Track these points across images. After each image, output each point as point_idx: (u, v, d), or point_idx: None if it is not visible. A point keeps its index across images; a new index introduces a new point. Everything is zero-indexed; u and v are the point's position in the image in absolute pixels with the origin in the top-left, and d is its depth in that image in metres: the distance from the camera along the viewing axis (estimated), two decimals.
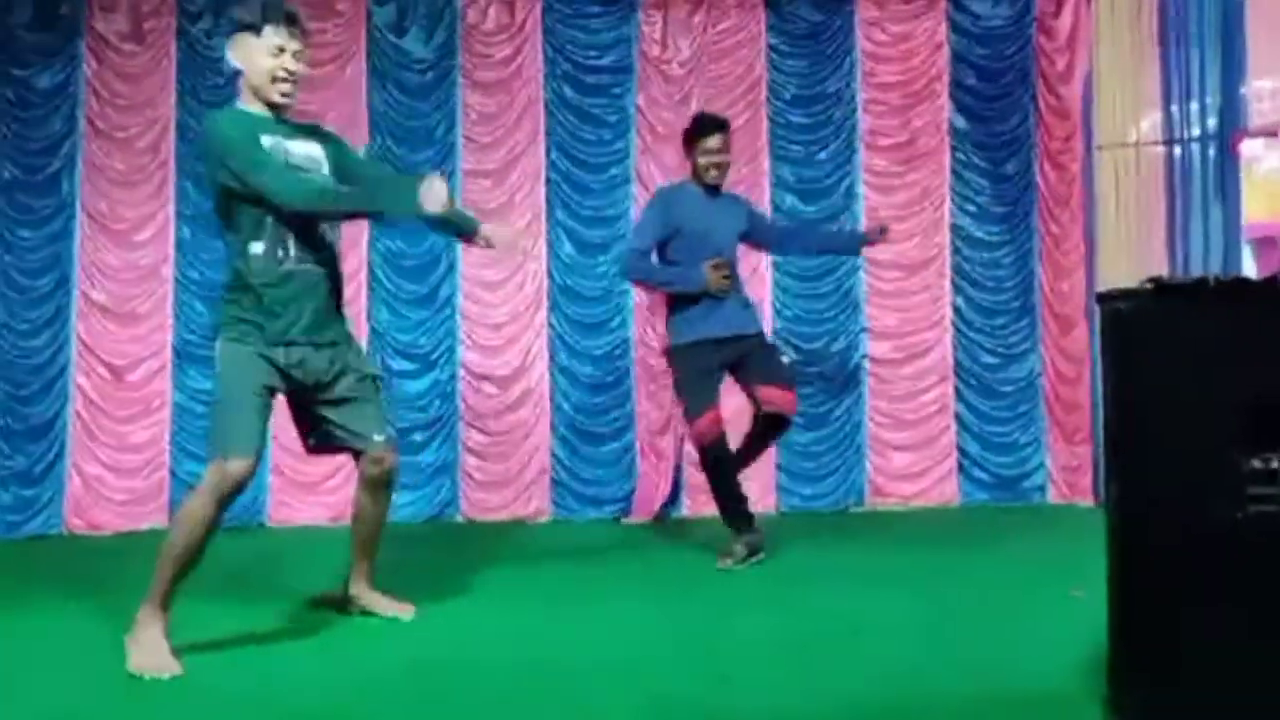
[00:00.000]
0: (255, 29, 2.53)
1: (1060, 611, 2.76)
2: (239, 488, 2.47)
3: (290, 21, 2.57)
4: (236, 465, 2.45)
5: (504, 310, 4.94)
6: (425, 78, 4.94)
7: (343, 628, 2.82)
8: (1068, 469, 4.92)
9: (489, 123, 4.96)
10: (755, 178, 4.98)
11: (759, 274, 4.87)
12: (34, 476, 4.72)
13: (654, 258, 3.72)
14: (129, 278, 4.84)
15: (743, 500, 3.68)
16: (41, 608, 3.18)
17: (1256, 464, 1.76)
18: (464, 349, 4.94)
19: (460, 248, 4.87)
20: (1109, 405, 2.09)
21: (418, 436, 4.83)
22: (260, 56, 2.55)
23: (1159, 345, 1.90)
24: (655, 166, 4.91)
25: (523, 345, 4.95)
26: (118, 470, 4.77)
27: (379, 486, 2.80)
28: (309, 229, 2.59)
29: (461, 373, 4.92)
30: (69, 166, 4.81)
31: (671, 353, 3.73)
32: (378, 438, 2.74)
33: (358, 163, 2.89)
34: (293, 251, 2.56)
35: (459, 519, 4.85)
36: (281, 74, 2.56)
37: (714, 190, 3.72)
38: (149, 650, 2.39)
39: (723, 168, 3.71)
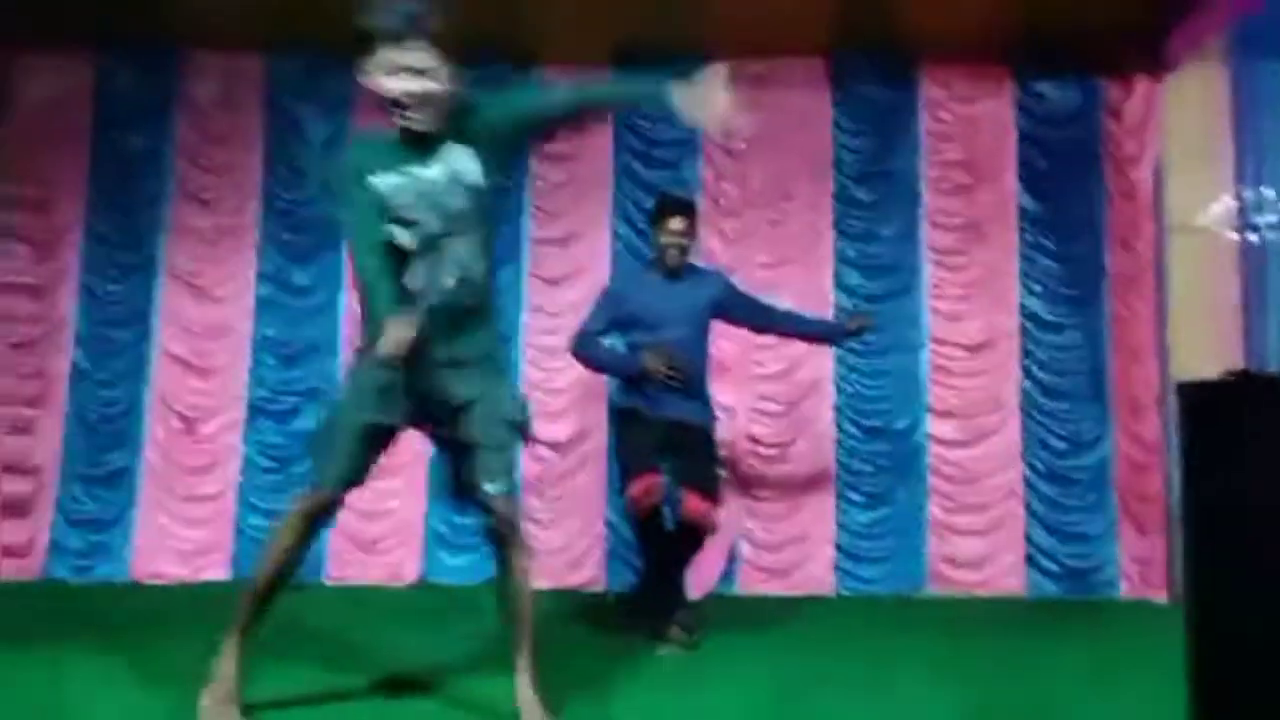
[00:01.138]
0: (376, 49, 2.31)
1: (1130, 713, 2.63)
2: (321, 511, 2.44)
3: (408, 33, 2.30)
4: (319, 492, 2.44)
5: (566, 376, 4.99)
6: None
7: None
8: (1140, 561, 4.74)
9: (558, 192, 5.08)
10: (818, 255, 5.00)
11: (821, 349, 4.84)
12: (104, 522, 4.84)
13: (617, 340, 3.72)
14: (207, 333, 5.00)
15: (671, 581, 3.56)
16: (95, 652, 3.23)
17: None
18: None
19: (525, 316, 4.95)
20: (1187, 499, 2.03)
21: (450, 500, 4.85)
22: (378, 78, 2.33)
23: (1239, 439, 1.84)
24: (718, 241, 4.97)
25: (582, 412, 4.97)
26: (184, 520, 4.87)
27: (501, 540, 2.46)
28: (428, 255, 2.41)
29: None
30: (157, 224, 5.03)
31: (615, 414, 3.69)
32: (490, 487, 2.41)
33: (526, 106, 2.59)
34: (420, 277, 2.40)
35: None
36: (402, 98, 2.32)
37: (676, 272, 3.67)
38: (213, 691, 2.39)
39: (684, 250, 3.66)
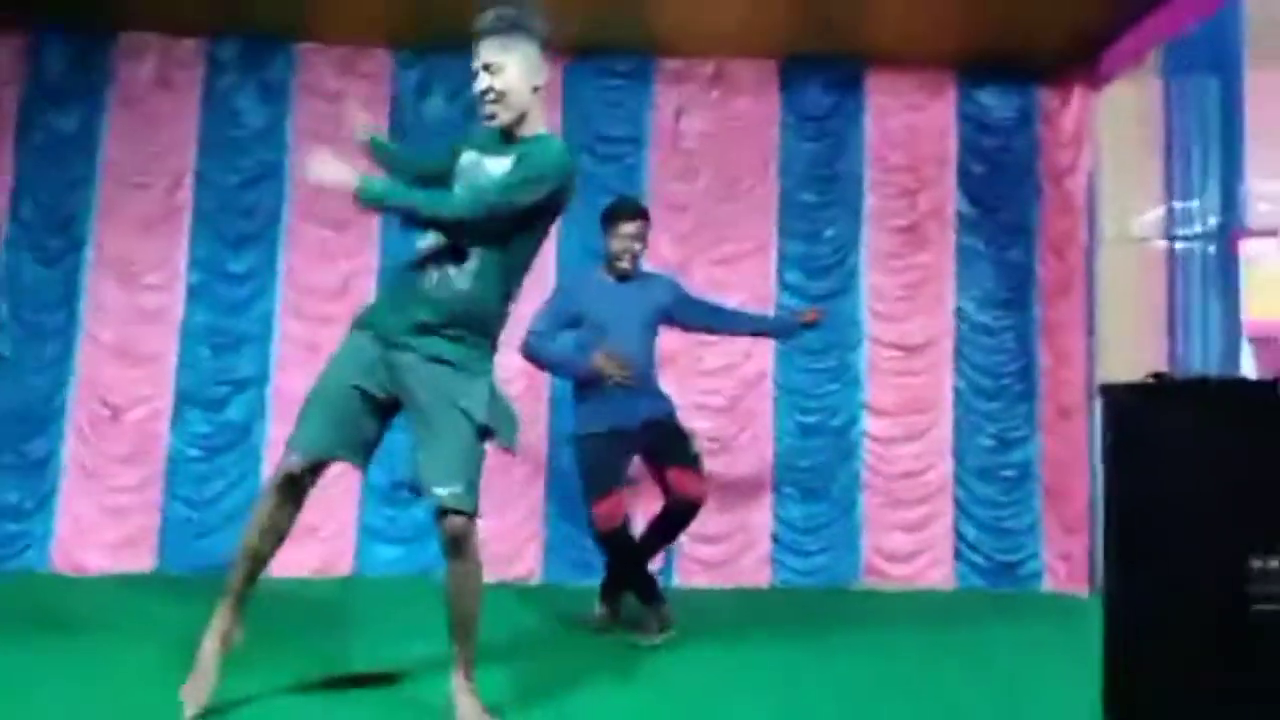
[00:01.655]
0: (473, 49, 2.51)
1: (1050, 702, 2.71)
2: (289, 481, 2.43)
3: (491, 33, 2.48)
4: (289, 458, 2.43)
5: (508, 369, 4.93)
6: (445, 139, 5.03)
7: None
8: (1064, 557, 4.89)
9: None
10: (763, 254, 5.05)
11: (762, 346, 4.91)
12: (25, 511, 4.68)
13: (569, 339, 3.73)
14: (136, 319, 4.86)
15: (648, 579, 3.65)
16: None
17: (1257, 563, 1.76)
18: None
19: None
20: (1108, 496, 2.10)
21: (408, 491, 4.81)
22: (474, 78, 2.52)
23: (1159, 440, 1.91)
24: (665, 237, 4.98)
25: (524, 405, 4.93)
26: (109, 510, 4.73)
27: (449, 546, 2.43)
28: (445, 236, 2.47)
29: None
30: (86, 208, 4.88)
31: (576, 440, 3.68)
32: (439, 490, 2.38)
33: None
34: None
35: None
36: (481, 94, 2.49)
37: (627, 276, 3.69)
38: (196, 669, 2.39)
39: (636, 255, 3.68)
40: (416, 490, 2.47)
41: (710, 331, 4.16)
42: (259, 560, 2.45)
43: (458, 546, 2.40)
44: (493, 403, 2.46)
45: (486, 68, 2.45)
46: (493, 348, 2.54)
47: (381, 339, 2.45)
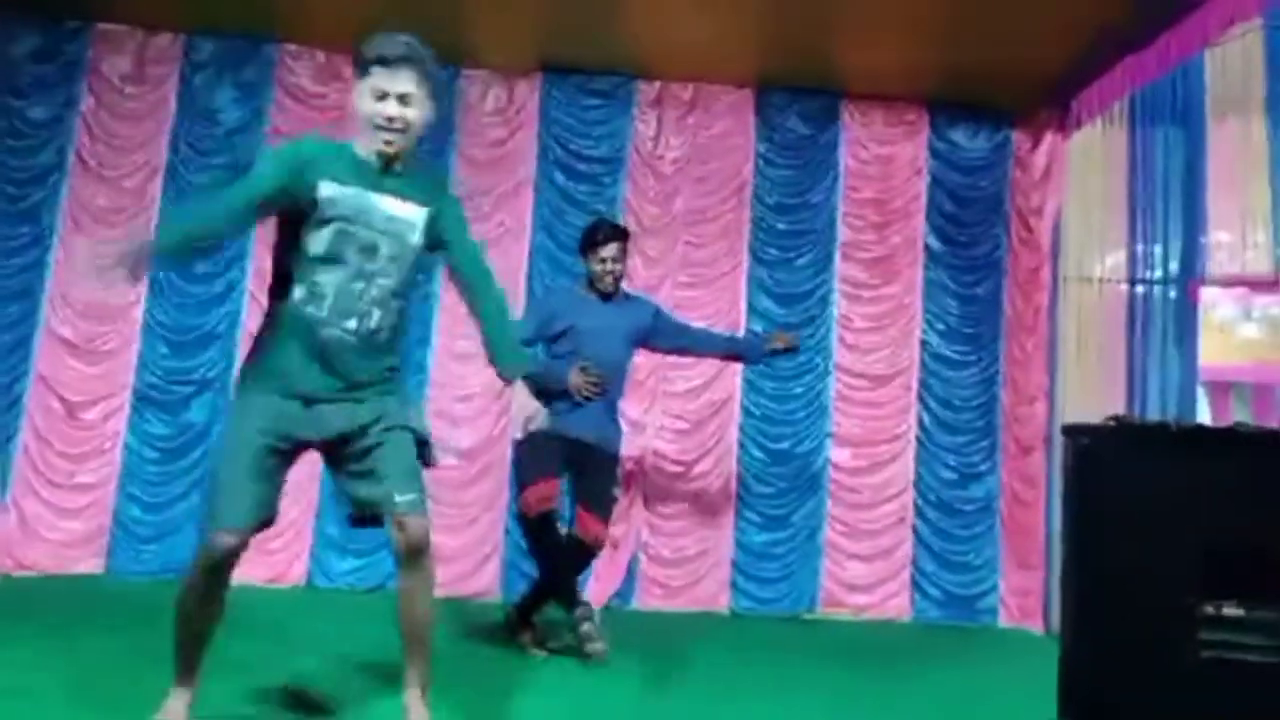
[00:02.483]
0: (363, 68, 2.34)
1: None
2: (225, 560, 2.26)
3: (404, 63, 2.33)
4: (222, 539, 2.23)
5: (475, 382, 4.93)
6: (420, 147, 5.00)
7: None
8: (1019, 593, 4.95)
9: (479, 196, 5.03)
10: (734, 279, 5.09)
11: (730, 370, 4.93)
12: None
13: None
14: (97, 315, 4.78)
15: (566, 581, 3.61)
16: None
17: (1209, 610, 1.80)
18: (430, 417, 4.89)
19: (438, 319, 4.91)
20: (1067, 536, 2.13)
21: (352, 525, 4.73)
22: (363, 100, 2.34)
23: (1119, 483, 1.95)
24: (638, 258, 5.00)
25: (489, 420, 4.93)
26: (59, 510, 4.62)
27: (411, 558, 2.34)
28: (334, 274, 2.33)
29: None
30: (52, 199, 4.79)
31: (518, 441, 3.67)
32: (400, 499, 2.33)
33: (450, 241, 2.50)
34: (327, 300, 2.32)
35: None
36: (380, 120, 2.31)
37: (609, 296, 3.72)
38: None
39: (617, 276, 3.72)
40: (363, 520, 2.43)
41: (683, 352, 4.18)
42: (203, 633, 2.33)
43: (420, 553, 2.33)
44: (421, 419, 2.53)
45: (402, 98, 2.32)
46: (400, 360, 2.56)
47: (300, 397, 2.32)
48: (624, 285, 3.84)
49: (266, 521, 2.34)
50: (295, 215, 2.32)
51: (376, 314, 2.34)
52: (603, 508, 3.60)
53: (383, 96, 2.31)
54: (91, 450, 4.69)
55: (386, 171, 2.37)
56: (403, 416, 2.41)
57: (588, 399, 3.57)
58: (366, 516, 2.42)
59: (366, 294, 2.33)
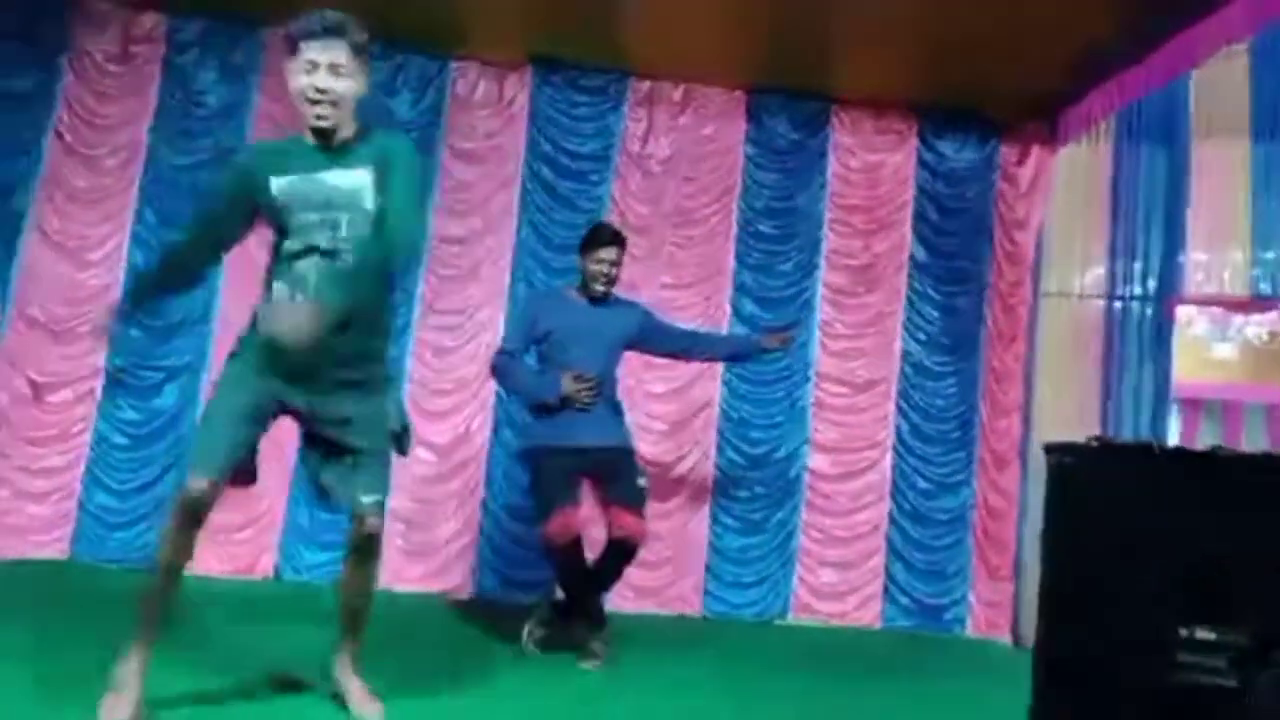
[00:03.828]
0: (293, 45, 2.31)
1: None
2: (197, 506, 2.28)
3: (331, 33, 2.30)
4: (192, 482, 2.28)
5: (452, 377, 4.89)
6: (405, 164, 4.96)
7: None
8: (989, 604, 4.97)
9: (465, 191, 4.99)
10: (718, 281, 5.08)
11: (710, 374, 4.93)
12: None
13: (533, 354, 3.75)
14: (71, 296, 4.69)
15: (594, 605, 3.63)
16: None
17: (1184, 632, 1.81)
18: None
19: (418, 312, 4.87)
20: (1046, 553, 2.13)
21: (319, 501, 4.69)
22: (294, 76, 2.32)
23: (1099, 503, 1.95)
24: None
25: (466, 415, 4.89)
26: (24, 494, 4.54)
27: (362, 552, 2.52)
28: (310, 260, 2.36)
29: None
30: (28, 177, 4.70)
31: (526, 454, 3.70)
32: (366, 499, 2.45)
33: (390, 194, 2.42)
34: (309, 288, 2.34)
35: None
36: (312, 94, 2.29)
37: (600, 299, 3.72)
38: (118, 695, 2.24)
39: (611, 280, 3.71)
40: (328, 501, 2.56)
41: (677, 356, 4.18)
42: (172, 595, 2.36)
43: (375, 545, 2.53)
44: (400, 405, 2.61)
45: (333, 68, 2.30)
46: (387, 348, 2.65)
47: (291, 375, 2.36)
48: (615, 290, 3.80)
49: (242, 472, 2.40)
50: (270, 218, 2.39)
51: (358, 289, 2.34)
52: (637, 501, 3.58)
53: (313, 68, 2.31)
54: (59, 434, 4.61)
55: (330, 147, 2.37)
56: (384, 415, 2.48)
57: (588, 405, 3.55)
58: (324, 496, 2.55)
59: (344, 271, 2.34)
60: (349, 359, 2.40)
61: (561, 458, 3.52)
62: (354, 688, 2.57)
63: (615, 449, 3.63)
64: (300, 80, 2.32)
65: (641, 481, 3.66)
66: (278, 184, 2.35)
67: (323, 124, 2.33)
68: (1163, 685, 1.81)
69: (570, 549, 3.51)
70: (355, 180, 2.36)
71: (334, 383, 2.40)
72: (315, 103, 2.31)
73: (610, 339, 3.71)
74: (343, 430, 2.43)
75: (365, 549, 2.52)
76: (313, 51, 2.30)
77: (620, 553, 3.56)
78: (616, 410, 3.74)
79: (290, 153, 2.39)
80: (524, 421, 3.90)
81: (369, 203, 2.36)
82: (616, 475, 3.59)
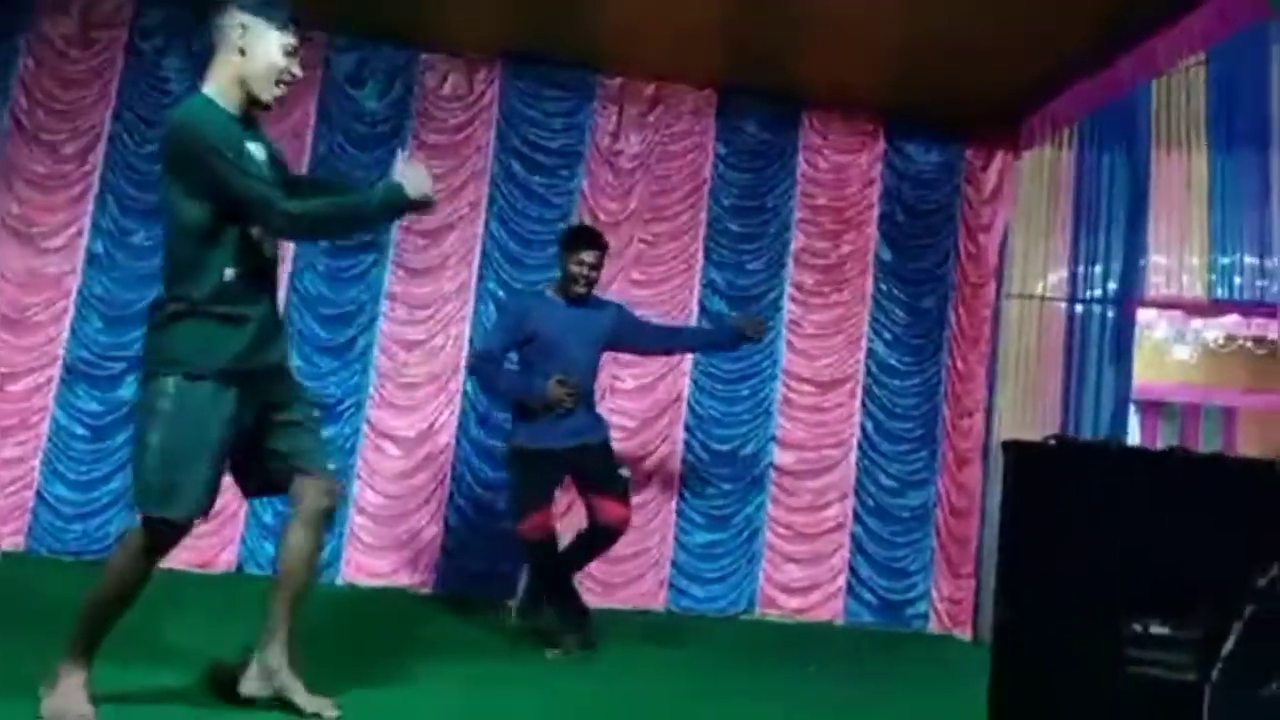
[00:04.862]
0: (280, 22, 2.36)
1: None
2: (175, 540, 2.27)
3: (297, 24, 2.43)
4: (175, 518, 2.24)
5: (420, 371, 4.87)
6: (375, 130, 4.95)
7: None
8: (950, 601, 5.04)
9: (433, 184, 4.95)
10: (686, 279, 5.10)
11: (678, 370, 4.95)
12: None
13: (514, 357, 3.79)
14: (28, 284, 4.61)
15: (570, 595, 3.70)
16: None
17: (1136, 627, 1.85)
18: (372, 405, 4.83)
19: (385, 305, 4.84)
20: (1004, 550, 2.17)
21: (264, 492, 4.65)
22: (275, 51, 2.35)
23: (1056, 501, 1.99)
24: None
25: (433, 409, 4.87)
26: None
27: (323, 520, 2.44)
28: (261, 243, 2.37)
29: (365, 429, 4.80)
30: None
31: (511, 455, 3.76)
32: (331, 466, 2.53)
33: (295, 176, 2.67)
34: (256, 270, 2.36)
35: (339, 582, 4.65)
36: (287, 76, 2.38)
37: (579, 300, 3.76)
38: (63, 696, 2.20)
39: (590, 281, 3.76)
40: (266, 488, 2.52)
41: (656, 352, 4.30)
42: (122, 614, 2.30)
43: (331, 516, 2.49)
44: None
45: (295, 54, 2.40)
46: None
47: (244, 375, 2.33)
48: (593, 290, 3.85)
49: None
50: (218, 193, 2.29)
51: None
52: (618, 488, 3.68)
53: (293, 53, 2.40)
54: (17, 424, 4.53)
55: (247, 123, 2.40)
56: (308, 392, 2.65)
57: (570, 409, 3.60)
58: (270, 483, 2.49)
59: (273, 249, 2.44)
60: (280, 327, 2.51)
61: (543, 460, 3.60)
62: (301, 688, 2.38)
63: (594, 446, 3.69)
64: (278, 60, 2.36)
65: (624, 471, 3.77)
66: (249, 147, 2.33)
67: (274, 105, 2.40)
68: (1119, 680, 1.85)
69: (545, 544, 3.61)
70: (268, 153, 2.43)
71: (276, 366, 2.45)
72: (284, 84, 2.39)
73: (591, 339, 3.76)
74: (290, 409, 2.46)
75: (327, 518, 2.45)
76: (293, 36, 2.39)
77: (604, 537, 3.67)
78: (593, 408, 3.82)
79: (227, 121, 2.33)
80: (508, 422, 3.99)
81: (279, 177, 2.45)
82: (598, 468, 3.67)
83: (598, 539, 3.69)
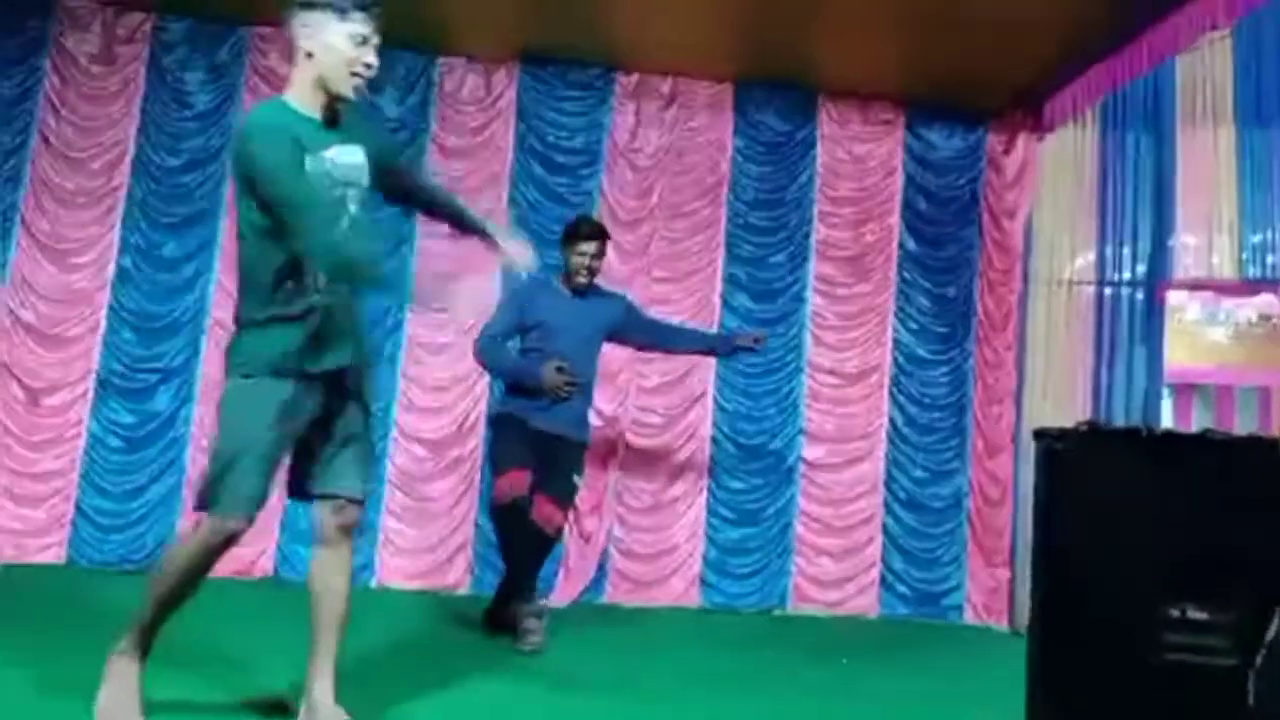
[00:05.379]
0: (341, 11, 2.23)
1: None
2: (231, 543, 2.26)
3: (377, 8, 2.28)
4: (232, 523, 2.22)
5: (446, 374, 4.90)
6: (395, 135, 4.97)
7: None
8: (986, 591, 5.00)
9: (453, 187, 4.95)
10: (708, 274, 5.09)
11: (703, 365, 4.94)
12: None
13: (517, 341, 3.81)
14: (61, 299, 4.69)
15: (527, 572, 3.60)
16: None
17: (1174, 613, 1.82)
18: (400, 409, 4.86)
19: (409, 311, 4.87)
20: (1038, 539, 2.15)
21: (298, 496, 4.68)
22: (342, 42, 2.23)
23: (1089, 487, 1.97)
24: (613, 252, 4.96)
25: (460, 411, 4.89)
26: (20, 498, 4.53)
27: (342, 542, 2.36)
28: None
29: (394, 433, 4.84)
30: (15, 180, 4.68)
31: (495, 419, 3.84)
32: (364, 487, 2.39)
33: (395, 162, 2.57)
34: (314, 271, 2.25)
35: (373, 584, 4.69)
36: (361, 68, 2.26)
37: (583, 291, 3.78)
38: (116, 699, 2.23)
39: (593, 271, 3.79)
40: (309, 491, 2.39)
41: (655, 349, 4.28)
42: (179, 608, 2.32)
43: (352, 534, 2.41)
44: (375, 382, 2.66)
45: (375, 46, 2.28)
46: None
47: (301, 374, 2.26)
48: (599, 281, 3.89)
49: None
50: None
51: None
52: (563, 495, 3.67)
53: (364, 42, 2.26)
54: (54, 438, 4.60)
55: (331, 123, 2.30)
56: (371, 396, 2.46)
57: (564, 398, 3.61)
58: (302, 489, 2.41)
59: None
60: (354, 341, 2.36)
61: (521, 428, 3.63)
62: (326, 709, 2.27)
63: (571, 440, 3.70)
64: (348, 50, 2.23)
65: (576, 479, 3.75)
66: (309, 164, 2.22)
67: (355, 96, 2.29)
68: (1157, 666, 1.83)
69: (516, 507, 3.52)
70: (355, 158, 2.31)
71: (356, 364, 2.34)
72: (358, 75, 2.26)
73: (592, 330, 3.79)
74: (345, 416, 2.34)
75: (345, 536, 2.37)
76: (362, 24, 2.25)
77: (536, 540, 3.57)
78: (587, 401, 3.84)
79: (301, 125, 2.24)
80: (500, 394, 4.04)
81: (367, 179, 2.34)
82: (556, 465, 3.64)
83: (534, 539, 3.58)
